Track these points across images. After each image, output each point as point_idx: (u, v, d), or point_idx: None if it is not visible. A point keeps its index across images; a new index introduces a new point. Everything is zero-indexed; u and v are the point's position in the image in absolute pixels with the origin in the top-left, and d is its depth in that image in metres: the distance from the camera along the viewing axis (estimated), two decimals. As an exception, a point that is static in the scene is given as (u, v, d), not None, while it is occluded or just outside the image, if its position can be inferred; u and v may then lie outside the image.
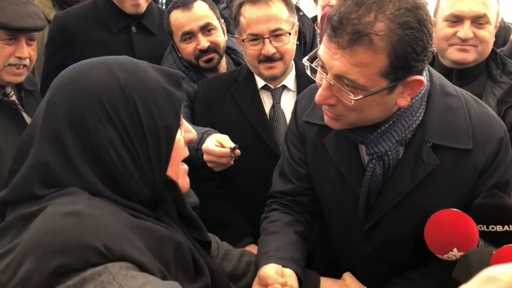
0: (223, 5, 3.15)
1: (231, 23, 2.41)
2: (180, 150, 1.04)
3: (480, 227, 1.22)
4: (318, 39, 3.27)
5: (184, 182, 1.08)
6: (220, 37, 2.14)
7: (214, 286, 1.05)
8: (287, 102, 1.96)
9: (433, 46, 2.09)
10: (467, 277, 0.75)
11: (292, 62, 1.99)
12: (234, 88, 1.99)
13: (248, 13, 1.85)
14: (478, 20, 1.89)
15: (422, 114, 1.27)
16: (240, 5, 1.88)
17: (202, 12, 2.09)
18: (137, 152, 0.94)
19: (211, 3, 2.17)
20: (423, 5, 1.13)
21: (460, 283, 0.76)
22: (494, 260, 1.10)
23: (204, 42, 2.09)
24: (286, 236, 1.42)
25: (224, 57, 2.23)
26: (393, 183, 1.30)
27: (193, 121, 2.00)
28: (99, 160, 0.92)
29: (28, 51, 1.78)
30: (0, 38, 1.73)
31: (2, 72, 1.76)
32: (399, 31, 1.09)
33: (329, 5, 3.28)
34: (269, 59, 1.87)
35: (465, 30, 1.89)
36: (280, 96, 1.97)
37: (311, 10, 3.91)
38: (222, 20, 2.21)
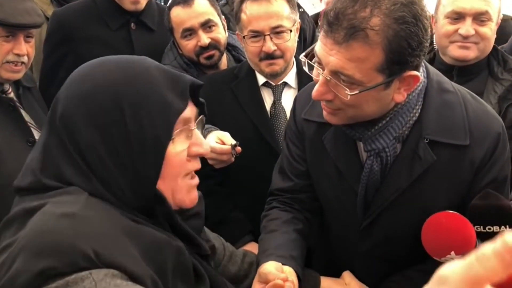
0: (222, 1, 3.11)
1: (231, 19, 2.38)
2: (176, 165, 0.96)
3: (477, 228, 1.21)
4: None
5: (188, 197, 1.00)
6: (221, 33, 2.11)
7: None
8: (288, 99, 1.94)
9: (434, 43, 2.10)
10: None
11: (293, 59, 1.97)
12: (234, 85, 1.97)
13: (249, 9, 1.83)
14: (480, 17, 1.87)
15: (419, 110, 1.26)
16: (241, 1, 1.86)
17: (202, 8, 2.06)
18: (121, 159, 0.91)
19: (212, -1, 2.15)
20: (418, 0, 1.12)
21: None
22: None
23: (204, 38, 2.06)
24: (286, 234, 1.41)
25: (224, 54, 2.20)
26: (390, 180, 1.30)
27: None
28: (86, 162, 0.90)
29: (26, 48, 1.76)
30: None
31: (0, 69, 1.73)
32: (394, 26, 1.09)
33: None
34: (269, 56, 1.85)
35: (467, 27, 1.87)
36: (281, 93, 1.95)
37: (309, 7, 3.87)
38: (223, 17, 2.19)
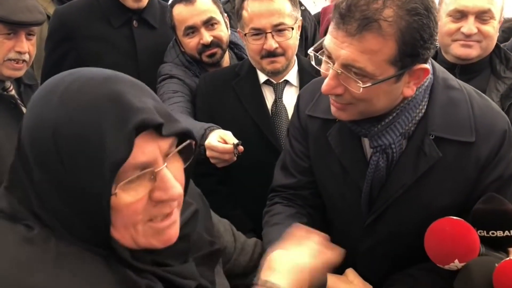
0: (224, -1, 3.09)
1: (233, 17, 2.37)
2: (131, 214, 0.80)
3: (480, 233, 1.19)
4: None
5: (157, 239, 0.85)
6: (223, 31, 2.09)
7: None
8: (289, 97, 1.93)
9: (436, 40, 2.07)
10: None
11: (295, 57, 1.95)
12: (236, 83, 1.95)
13: (251, 7, 1.81)
14: (482, 16, 1.85)
15: (425, 106, 1.26)
16: (243, -2, 1.84)
17: (205, 6, 2.04)
18: (70, 202, 0.79)
19: (214, -3, 2.13)
20: None
21: None
22: (497, 274, 1.09)
23: (207, 36, 2.04)
24: (290, 227, 1.37)
25: (227, 52, 2.18)
26: (395, 176, 1.29)
27: (195, 116, 1.96)
28: (38, 197, 0.80)
29: (28, 46, 1.76)
30: None
31: (1, 67, 1.73)
32: (407, 17, 1.08)
33: None
34: (271, 54, 1.83)
35: (469, 26, 1.85)
36: (282, 91, 1.93)
37: (311, 5, 3.85)
38: (225, 15, 2.17)
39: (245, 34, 1.85)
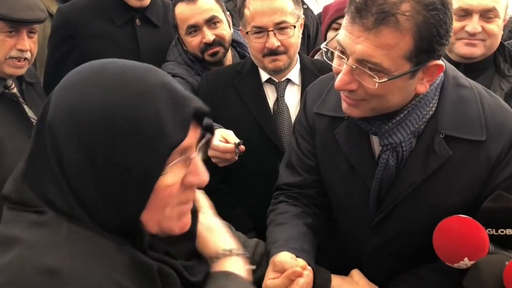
0: (226, -3, 3.06)
1: (235, 15, 2.35)
2: (167, 197, 0.85)
3: (489, 231, 1.17)
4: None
5: (177, 224, 0.90)
6: (225, 30, 2.07)
7: None
8: (292, 96, 1.91)
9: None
10: (478, 287, 0.68)
11: (297, 55, 1.92)
12: (238, 82, 1.93)
13: (253, 5, 1.79)
14: (487, 14, 1.83)
15: (436, 105, 1.24)
16: (245, -4, 1.82)
17: (207, 5, 2.03)
18: (106, 185, 0.80)
19: (217, -5, 2.11)
20: None
21: None
22: (507, 272, 1.07)
23: (209, 35, 2.02)
24: (296, 227, 1.38)
25: (229, 51, 2.17)
26: (404, 175, 1.27)
27: None
28: (67, 181, 0.81)
29: (29, 44, 1.74)
30: (1, 30, 1.69)
31: (3, 65, 1.72)
32: (424, 12, 1.06)
33: None
34: (273, 52, 1.81)
35: (474, 25, 1.82)
36: (284, 90, 1.91)
37: (313, 4, 3.81)
38: (228, 13, 2.15)
39: (247, 32, 1.83)
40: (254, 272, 1.26)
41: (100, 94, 0.80)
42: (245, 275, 1.01)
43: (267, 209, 1.53)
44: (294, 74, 1.91)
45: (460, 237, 1.16)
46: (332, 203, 1.47)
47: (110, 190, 0.80)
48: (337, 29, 2.31)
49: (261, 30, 1.79)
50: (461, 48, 1.85)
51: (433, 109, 1.23)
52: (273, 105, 1.89)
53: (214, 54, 2.05)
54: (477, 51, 1.84)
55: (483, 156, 1.22)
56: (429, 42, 1.08)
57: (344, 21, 1.14)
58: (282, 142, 1.85)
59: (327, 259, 1.50)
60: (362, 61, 1.11)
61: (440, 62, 1.14)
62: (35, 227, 0.78)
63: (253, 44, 1.83)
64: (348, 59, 1.13)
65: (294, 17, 1.80)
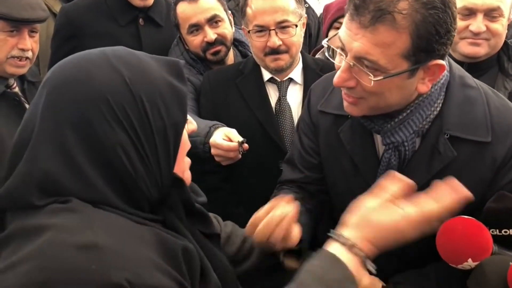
0: (227, -3, 3.04)
1: (236, 15, 2.32)
2: (186, 143, 0.95)
3: (492, 232, 1.15)
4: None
5: (187, 174, 0.99)
6: (227, 29, 2.05)
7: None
8: (294, 95, 1.89)
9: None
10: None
11: (299, 55, 1.90)
12: (240, 81, 1.92)
13: (255, 4, 1.77)
14: (491, 13, 1.79)
15: (440, 104, 1.22)
16: (248, -5, 1.80)
17: (209, 4, 2.00)
18: (146, 153, 0.85)
19: (218, -6, 2.09)
20: None
21: None
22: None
23: (211, 34, 2.00)
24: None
25: (231, 50, 2.14)
26: (408, 175, 1.21)
27: (199, 114, 1.93)
28: (109, 165, 0.82)
29: (31, 43, 1.73)
30: (2, 29, 1.68)
31: (5, 64, 1.70)
32: (422, 11, 1.04)
33: None
34: (274, 51, 1.79)
35: (478, 24, 1.78)
36: (286, 89, 1.89)
37: (315, 3, 3.77)
38: (230, 12, 2.13)
39: (249, 31, 1.82)
40: (242, 263, 1.27)
41: (114, 74, 0.84)
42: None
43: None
44: (296, 73, 1.89)
45: (464, 238, 1.14)
46: (334, 201, 1.45)
47: (150, 158, 0.85)
48: (338, 28, 2.28)
49: (262, 29, 1.77)
50: (465, 47, 1.82)
51: (438, 109, 1.21)
52: (275, 105, 1.87)
53: (216, 53, 2.03)
54: (481, 50, 1.81)
55: (489, 157, 1.19)
56: (427, 41, 1.06)
57: (345, 18, 1.13)
58: (284, 142, 1.83)
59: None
60: (359, 59, 1.09)
61: (441, 61, 1.11)
62: (61, 213, 0.78)
63: (255, 43, 1.81)
64: (346, 56, 1.12)
65: (296, 16, 1.78)
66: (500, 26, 1.79)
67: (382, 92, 1.12)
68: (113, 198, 0.82)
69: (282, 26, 1.76)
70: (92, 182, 0.80)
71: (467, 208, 1.18)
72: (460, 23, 1.81)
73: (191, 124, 1.01)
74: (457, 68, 1.27)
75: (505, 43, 1.88)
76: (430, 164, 1.21)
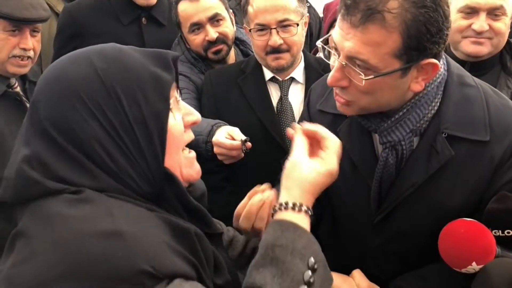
0: (228, -4, 3.01)
1: (238, 14, 2.30)
2: (178, 136, 0.92)
3: (495, 233, 1.14)
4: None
5: (191, 171, 0.96)
6: (228, 27, 2.03)
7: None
8: (295, 95, 1.87)
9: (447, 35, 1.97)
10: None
11: (301, 54, 1.88)
12: (241, 80, 1.89)
13: (256, 2, 1.75)
14: (494, 12, 1.77)
15: (438, 103, 1.20)
16: (249, -6, 1.79)
17: (210, 2, 1.98)
18: (127, 146, 0.84)
19: (219, -7, 2.07)
20: None
21: None
22: None
23: (212, 33, 1.98)
24: None
25: (233, 48, 2.12)
26: (405, 174, 1.23)
27: (201, 113, 1.87)
28: (90, 159, 0.82)
29: (32, 43, 1.72)
30: (4, 29, 1.67)
31: (6, 64, 1.70)
32: (413, 10, 1.03)
33: None
34: (276, 50, 1.77)
35: (481, 23, 1.77)
36: (288, 88, 1.87)
37: (316, 2, 3.75)
38: (231, 11, 2.11)
39: (250, 30, 1.80)
40: (244, 267, 1.24)
41: (85, 69, 0.84)
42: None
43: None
44: (298, 72, 1.87)
45: (467, 241, 1.12)
46: (334, 201, 1.43)
47: (132, 150, 0.83)
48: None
49: (263, 28, 1.75)
50: (467, 46, 1.80)
51: (436, 108, 1.19)
52: (277, 104, 1.86)
53: (217, 52, 2.01)
54: (484, 49, 1.79)
55: (487, 156, 1.18)
56: (418, 40, 1.04)
57: (337, 18, 1.12)
58: (286, 141, 1.80)
59: (328, 258, 1.47)
60: (351, 58, 1.09)
61: (434, 60, 1.09)
62: (76, 204, 0.78)
63: (256, 42, 1.79)
64: (339, 56, 1.11)
65: (297, 15, 1.76)
66: (503, 25, 1.77)
67: (374, 91, 1.12)
68: (117, 186, 0.83)
69: (283, 25, 1.73)
70: (94, 174, 0.81)
71: (466, 209, 1.19)
72: (462, 22, 1.81)
73: (192, 115, 0.97)
74: (456, 66, 1.25)
75: (508, 42, 1.86)
76: (427, 164, 1.20)
